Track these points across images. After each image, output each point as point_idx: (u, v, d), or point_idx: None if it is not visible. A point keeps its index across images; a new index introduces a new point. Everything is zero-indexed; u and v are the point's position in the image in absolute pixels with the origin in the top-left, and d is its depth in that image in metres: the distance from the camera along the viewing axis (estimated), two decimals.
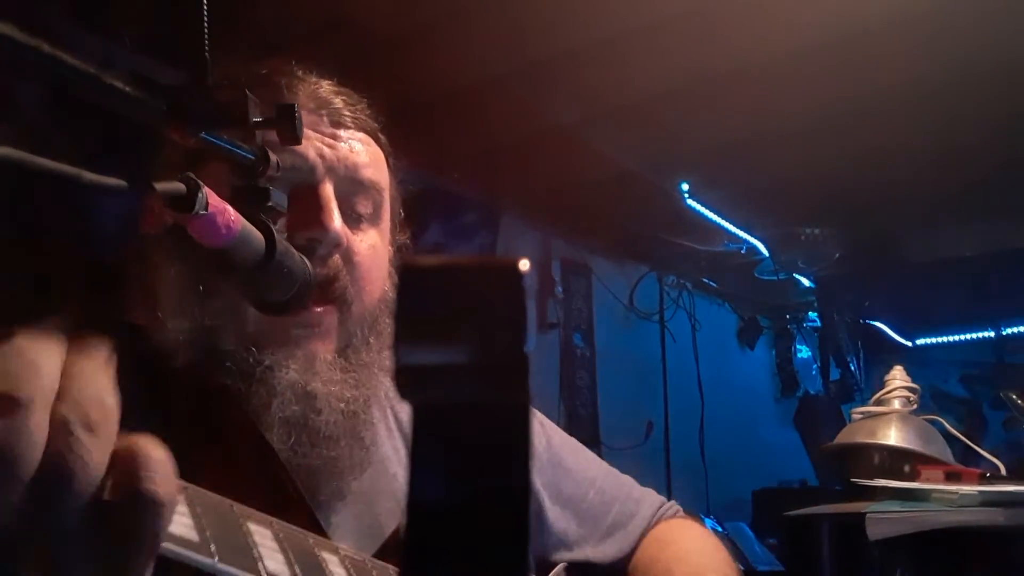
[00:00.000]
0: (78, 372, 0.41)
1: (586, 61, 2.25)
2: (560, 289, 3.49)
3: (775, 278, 4.07)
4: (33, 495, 0.38)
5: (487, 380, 0.27)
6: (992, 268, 3.88)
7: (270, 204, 0.64)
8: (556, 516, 0.97)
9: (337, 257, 0.78)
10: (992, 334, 4.94)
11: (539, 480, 0.97)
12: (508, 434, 0.27)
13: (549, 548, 0.96)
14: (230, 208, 0.59)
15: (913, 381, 2.14)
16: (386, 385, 0.84)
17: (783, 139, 2.71)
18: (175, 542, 0.46)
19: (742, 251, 3.72)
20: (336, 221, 0.76)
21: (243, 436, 0.71)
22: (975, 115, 2.54)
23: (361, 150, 0.82)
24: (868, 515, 1.69)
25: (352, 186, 0.80)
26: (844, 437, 2.17)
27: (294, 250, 0.67)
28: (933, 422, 2.11)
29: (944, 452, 2.03)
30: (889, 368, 2.19)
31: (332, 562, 0.62)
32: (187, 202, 0.55)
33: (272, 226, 0.64)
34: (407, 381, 0.27)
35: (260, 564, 0.53)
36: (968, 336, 5.09)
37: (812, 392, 4.65)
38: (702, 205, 3.29)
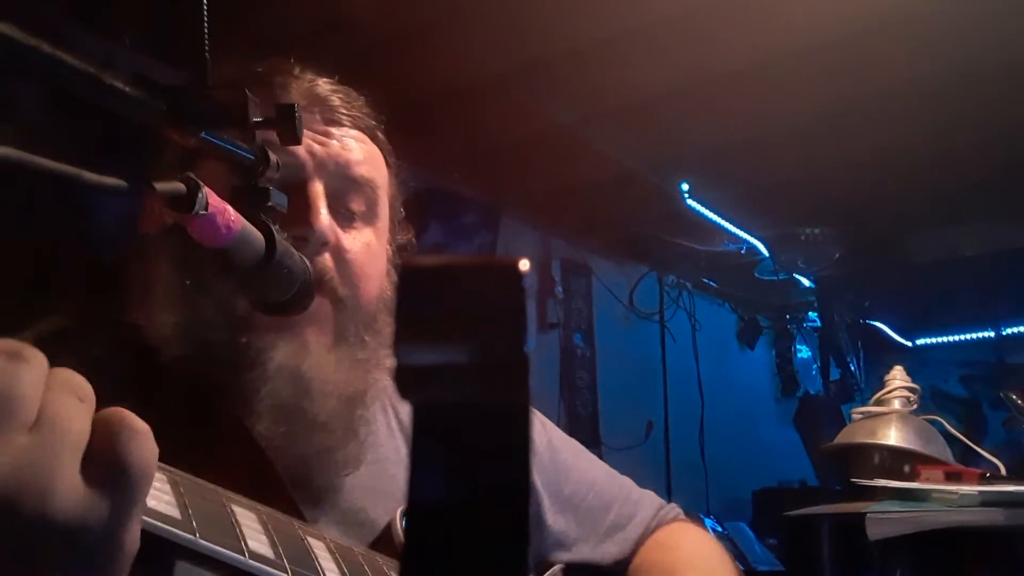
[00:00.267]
0: (59, 368, 0.46)
1: (586, 61, 2.25)
2: (560, 289, 3.50)
3: (775, 278, 4.07)
4: (34, 442, 0.41)
5: (487, 380, 0.27)
6: (992, 268, 3.87)
7: (270, 204, 0.64)
8: (555, 517, 0.97)
9: (326, 255, 0.77)
10: (992, 334, 4.94)
11: (539, 480, 0.97)
12: (508, 434, 0.27)
13: (547, 548, 0.96)
14: (230, 208, 0.59)
15: (913, 381, 2.14)
16: (388, 385, 0.84)
17: (783, 139, 2.71)
18: (157, 518, 0.47)
19: (742, 251, 3.72)
20: (323, 219, 0.76)
21: (232, 429, 0.71)
22: (975, 115, 2.54)
23: (355, 147, 0.81)
24: (868, 515, 1.68)
25: (344, 183, 0.80)
26: (844, 437, 2.17)
27: (294, 250, 0.67)
28: (933, 422, 2.11)
29: (944, 452, 2.03)
30: (889, 368, 2.19)
31: (319, 547, 0.62)
32: (187, 202, 0.56)
33: (272, 226, 0.64)
34: (407, 381, 0.27)
35: (243, 544, 0.53)
36: (968, 336, 5.09)
37: (812, 392, 4.65)
38: (702, 205, 3.29)
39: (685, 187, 3.14)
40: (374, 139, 0.85)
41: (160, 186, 0.54)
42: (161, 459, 0.47)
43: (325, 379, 0.75)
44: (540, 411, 1.08)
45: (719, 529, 3.34)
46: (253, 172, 0.64)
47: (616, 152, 2.85)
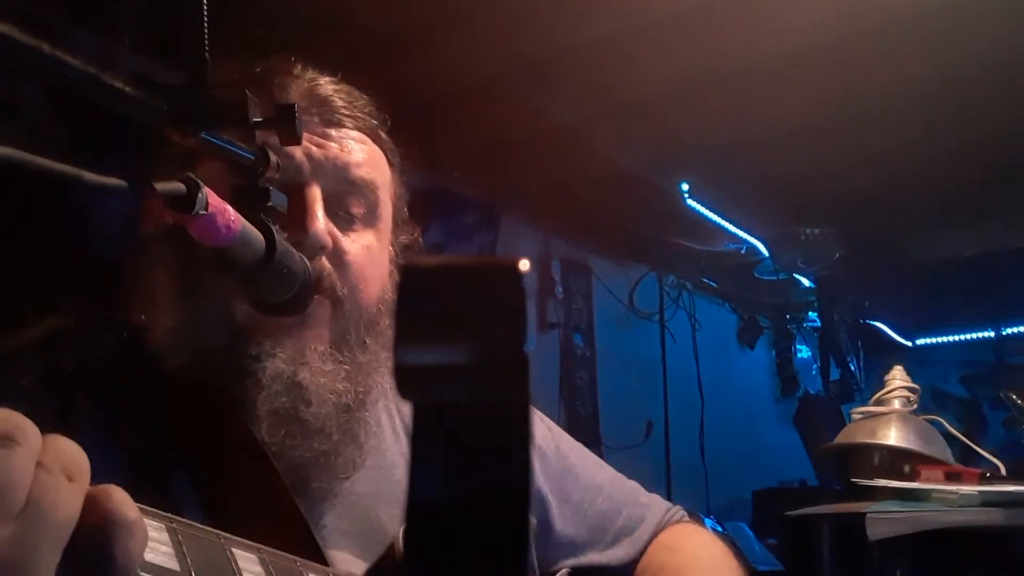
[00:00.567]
0: (54, 437, 0.45)
1: (586, 61, 2.25)
2: (560, 289, 3.50)
3: (775, 278, 4.07)
4: (17, 534, 0.41)
5: (487, 380, 0.27)
6: (992, 268, 3.87)
7: (270, 204, 0.64)
8: (564, 521, 0.96)
9: (324, 259, 0.76)
10: (992, 334, 4.94)
11: (547, 485, 0.96)
12: (508, 434, 0.27)
13: (556, 553, 0.96)
14: (230, 208, 0.59)
15: (913, 381, 2.14)
16: (391, 386, 0.83)
17: (783, 139, 2.71)
18: (155, 572, 0.47)
19: (742, 251, 3.72)
20: (319, 223, 0.75)
21: (232, 431, 0.71)
22: (975, 115, 2.54)
23: (355, 149, 0.80)
24: (868, 515, 1.69)
25: (343, 186, 0.79)
26: (844, 437, 2.17)
27: (294, 250, 0.67)
28: (933, 422, 2.11)
29: (944, 452, 2.03)
30: (889, 368, 2.19)
31: None
32: (187, 202, 0.56)
33: (273, 226, 0.64)
34: (407, 381, 0.27)
35: None
36: (968, 336, 5.09)
37: (812, 392, 4.64)
38: (702, 205, 3.29)
39: (685, 187, 3.14)
40: (376, 139, 0.84)
41: (160, 186, 0.54)
42: (164, 460, 0.47)
43: (322, 385, 0.75)
44: (540, 411, 1.08)
45: (719, 529, 3.34)
46: (253, 172, 0.64)
47: (616, 152, 2.85)
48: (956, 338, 5.13)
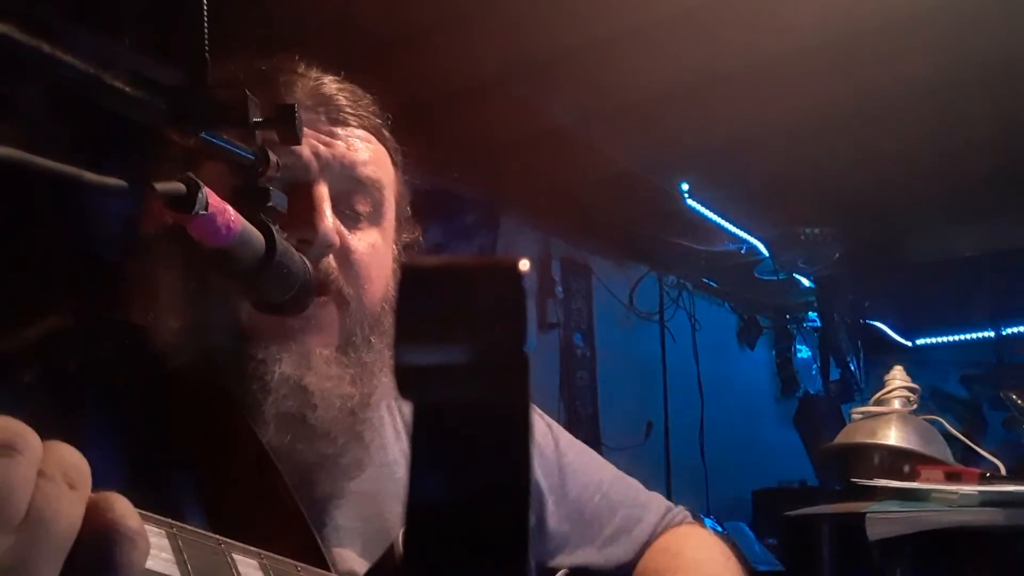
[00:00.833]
0: (55, 444, 0.44)
1: (586, 61, 2.25)
2: (560, 289, 3.50)
3: (775, 278, 4.07)
4: (18, 544, 0.41)
5: (487, 380, 0.27)
6: (992, 268, 3.87)
7: (270, 204, 0.64)
8: (558, 520, 0.96)
9: (331, 258, 0.76)
10: (992, 334, 4.94)
11: (544, 483, 0.96)
12: (508, 434, 0.27)
13: (549, 551, 0.95)
14: (230, 208, 0.59)
15: (913, 381, 2.14)
16: (392, 387, 0.82)
17: (783, 139, 2.71)
18: None
19: (742, 251, 3.72)
20: (327, 221, 0.75)
21: (237, 434, 0.71)
22: (975, 115, 2.54)
23: (360, 147, 0.80)
24: (868, 515, 1.69)
25: (350, 184, 0.79)
26: (844, 437, 2.17)
27: (294, 250, 0.67)
28: (933, 422, 2.11)
29: (944, 452, 2.03)
30: (889, 368, 2.19)
31: None
32: (187, 202, 0.56)
33: (273, 226, 0.64)
34: (407, 380, 0.27)
35: None
36: (968, 336, 5.09)
37: (812, 392, 4.64)
38: (702, 205, 3.29)
39: (685, 187, 3.14)
40: (380, 138, 0.84)
41: (160, 186, 0.54)
42: (166, 462, 0.47)
43: (328, 390, 0.75)
44: (540, 411, 1.08)
45: (719, 529, 3.34)
46: (253, 172, 0.64)
47: (616, 152, 2.85)
48: (956, 338, 5.13)
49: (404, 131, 0.88)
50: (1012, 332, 4.85)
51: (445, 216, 2.90)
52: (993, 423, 4.10)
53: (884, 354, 4.48)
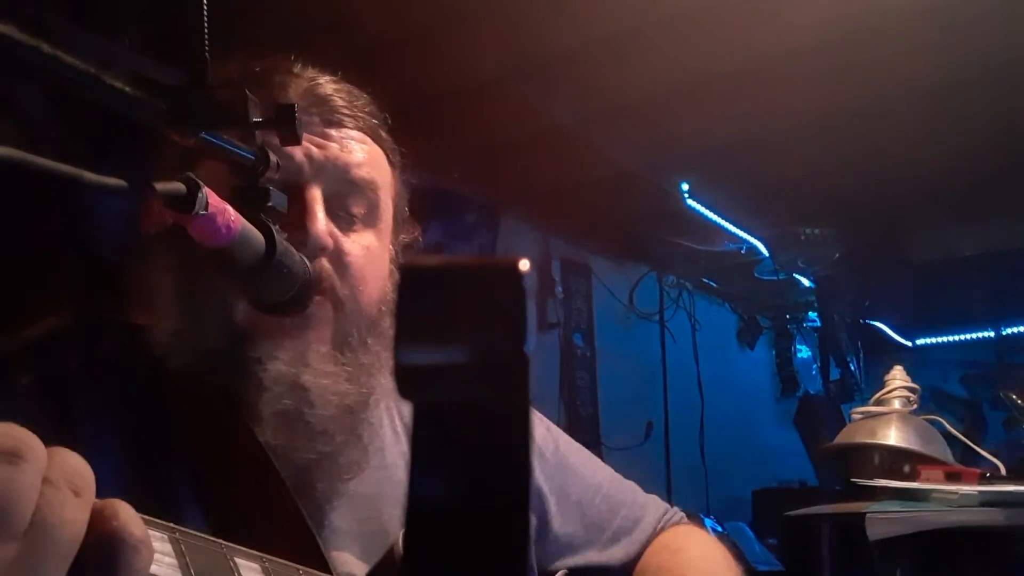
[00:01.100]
0: (59, 450, 0.45)
1: (586, 61, 2.25)
2: (560, 289, 3.50)
3: (775, 278, 4.07)
4: (23, 551, 0.41)
5: (487, 380, 0.27)
6: (992, 268, 3.88)
7: (270, 204, 0.64)
8: (562, 521, 0.96)
9: (324, 260, 0.76)
10: (992, 334, 4.94)
11: (546, 484, 0.96)
12: (508, 434, 0.27)
13: (554, 552, 0.96)
14: (230, 208, 0.59)
15: (913, 381, 2.14)
16: (391, 388, 0.83)
17: (783, 139, 2.71)
18: None
19: (742, 251, 3.72)
20: (320, 224, 0.75)
21: (235, 434, 0.71)
22: (975, 115, 2.54)
23: (355, 149, 0.80)
24: (868, 515, 1.69)
25: (344, 186, 0.78)
26: (844, 437, 2.17)
27: (294, 250, 0.67)
28: (933, 422, 2.11)
29: (944, 452, 2.03)
30: (889, 368, 2.19)
31: None
32: (187, 202, 0.56)
33: (273, 226, 0.64)
34: (407, 381, 0.27)
35: None
36: (968, 336, 5.09)
37: (812, 392, 4.64)
38: (702, 205, 3.29)
39: (685, 187, 3.14)
40: (376, 139, 0.83)
41: (160, 186, 0.54)
42: (166, 462, 0.47)
43: (325, 387, 0.74)
44: (540, 411, 1.08)
45: (719, 529, 3.34)
46: (253, 172, 0.64)
47: (616, 152, 2.85)
48: (956, 338, 5.13)
49: (404, 131, 0.88)
50: (1012, 332, 4.85)
51: (445, 216, 2.90)
52: (993, 423, 4.10)
53: (884, 354, 4.48)
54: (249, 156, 0.63)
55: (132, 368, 0.73)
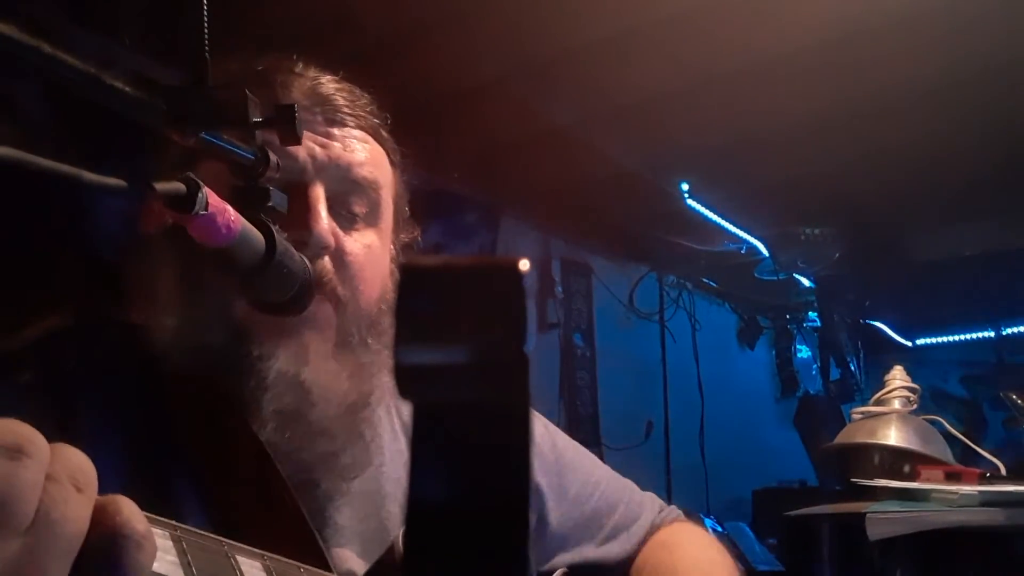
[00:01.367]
0: (62, 446, 0.45)
1: (586, 61, 2.25)
2: (560, 289, 3.49)
3: (775, 278, 4.07)
4: (26, 547, 0.41)
5: (487, 380, 0.27)
6: (992, 268, 3.88)
7: (270, 204, 0.64)
8: (560, 518, 0.97)
9: (326, 259, 0.76)
10: (992, 334, 4.94)
11: (544, 482, 0.97)
12: (508, 434, 0.27)
13: (551, 549, 0.96)
14: (230, 208, 0.59)
15: (913, 381, 2.15)
16: (392, 386, 0.82)
17: (783, 139, 2.71)
18: None
19: (742, 251, 3.72)
20: (322, 223, 0.75)
21: (236, 433, 0.71)
22: (975, 115, 2.54)
23: (357, 148, 0.80)
24: (868, 515, 1.69)
25: (346, 186, 0.79)
26: (844, 437, 2.17)
27: (294, 250, 0.67)
28: (933, 422, 2.11)
29: (944, 452, 2.03)
30: (889, 368, 2.19)
31: None
32: (187, 202, 0.56)
33: (273, 226, 0.64)
34: (407, 381, 0.27)
35: None
36: (968, 336, 5.09)
37: (812, 392, 4.65)
38: (702, 205, 3.29)
39: (685, 187, 3.14)
40: (378, 138, 0.84)
41: (160, 186, 0.54)
42: (167, 460, 0.47)
43: (326, 386, 0.74)
44: (540, 411, 1.08)
45: (719, 529, 3.34)
46: (253, 172, 0.64)
47: (616, 152, 2.85)
48: (956, 338, 5.13)
49: (404, 131, 0.88)
50: (1012, 332, 4.85)
51: (445, 216, 2.90)
52: (993, 423, 4.11)
53: (884, 354, 4.48)
54: (249, 156, 0.63)
55: (132, 367, 0.73)
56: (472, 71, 2.28)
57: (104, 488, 0.45)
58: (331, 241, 0.76)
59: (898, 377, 2.15)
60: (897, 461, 2.00)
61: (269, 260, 0.63)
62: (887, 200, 3.24)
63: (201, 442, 0.71)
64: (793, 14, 2.07)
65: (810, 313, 4.75)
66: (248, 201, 0.63)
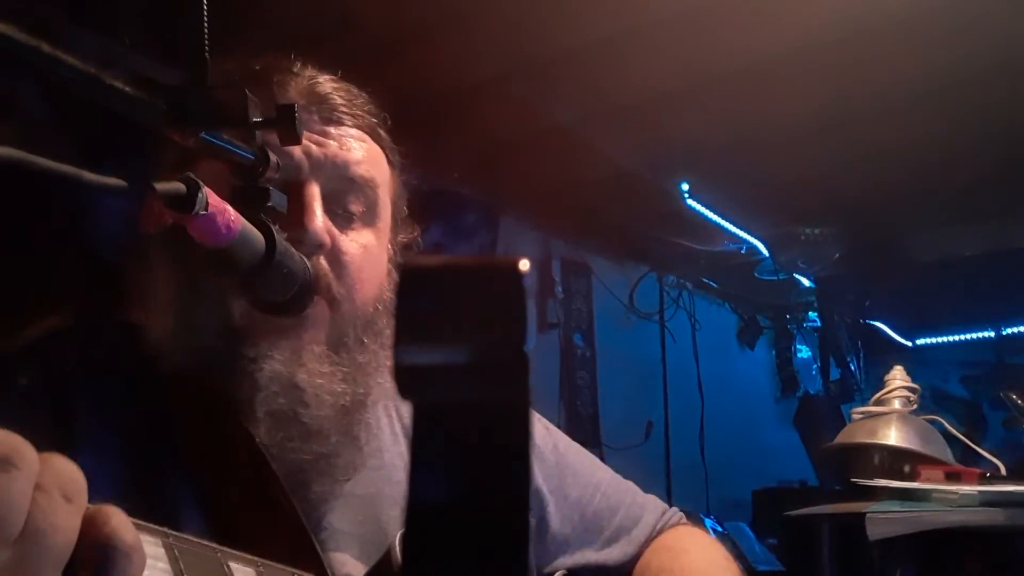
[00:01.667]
0: (51, 456, 0.45)
1: (586, 61, 2.25)
2: (560, 289, 3.50)
3: (775, 278, 4.07)
4: (15, 558, 0.41)
5: (487, 380, 0.27)
6: (992, 268, 3.87)
7: (270, 204, 0.64)
8: (561, 520, 0.96)
9: (321, 259, 0.76)
10: (992, 334, 4.94)
11: (545, 484, 0.96)
12: (508, 434, 0.27)
13: (552, 552, 0.96)
14: (230, 208, 0.59)
15: (913, 381, 2.15)
16: (391, 386, 0.82)
17: (783, 139, 2.71)
18: None
19: (742, 251, 3.72)
20: (317, 221, 0.74)
21: (231, 434, 0.70)
22: (975, 115, 2.54)
23: (354, 147, 0.80)
24: (868, 515, 1.69)
25: (343, 184, 0.78)
26: (844, 437, 2.17)
27: (294, 250, 0.67)
28: (933, 422, 2.11)
29: (944, 452, 2.03)
30: (889, 368, 2.19)
31: None
32: (187, 202, 0.56)
33: (273, 226, 0.64)
34: (407, 381, 0.27)
35: None
36: (968, 336, 5.08)
37: (812, 392, 4.64)
38: (702, 205, 3.29)
39: (685, 187, 3.14)
40: (375, 137, 0.83)
41: (160, 186, 0.54)
42: (161, 462, 0.47)
43: (319, 387, 0.74)
44: (540, 411, 1.08)
45: (719, 529, 3.34)
46: (253, 172, 0.64)
47: (616, 152, 2.85)
48: (956, 338, 5.13)
49: (404, 131, 0.88)
50: (1012, 332, 4.85)
51: (445, 216, 2.90)
52: (993, 423, 4.11)
53: (884, 354, 4.48)
54: (249, 156, 0.63)
55: (130, 368, 0.73)
56: (472, 71, 2.28)
57: (100, 487, 0.45)
58: (326, 239, 0.75)
59: (898, 377, 2.15)
60: (897, 461, 2.00)
61: (269, 260, 0.63)
62: (887, 200, 3.24)
63: (198, 443, 0.71)
64: (793, 14, 2.06)
65: (810, 313, 4.75)
66: (248, 201, 0.63)
